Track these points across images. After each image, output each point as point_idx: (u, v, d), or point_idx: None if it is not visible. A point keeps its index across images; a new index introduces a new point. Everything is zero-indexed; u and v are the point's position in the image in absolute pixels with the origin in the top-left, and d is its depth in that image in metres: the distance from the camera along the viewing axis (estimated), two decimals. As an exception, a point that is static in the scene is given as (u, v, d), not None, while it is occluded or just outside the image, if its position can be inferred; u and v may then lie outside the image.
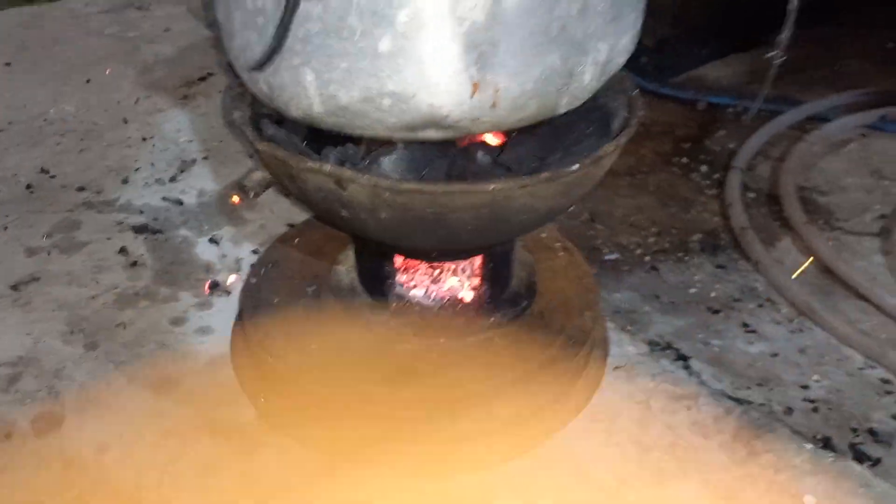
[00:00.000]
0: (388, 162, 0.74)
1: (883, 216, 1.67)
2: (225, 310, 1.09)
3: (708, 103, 2.05)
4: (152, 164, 1.34)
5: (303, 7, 0.66)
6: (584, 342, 0.93)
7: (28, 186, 1.30)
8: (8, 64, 1.47)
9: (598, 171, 0.78)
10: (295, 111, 0.73)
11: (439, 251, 0.86)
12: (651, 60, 2.15)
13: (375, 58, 0.66)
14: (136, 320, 1.08)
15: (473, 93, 0.67)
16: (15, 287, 1.12)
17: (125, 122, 1.41)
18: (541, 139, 0.75)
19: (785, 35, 0.78)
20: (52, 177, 1.32)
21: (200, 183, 1.31)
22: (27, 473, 0.88)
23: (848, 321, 1.39)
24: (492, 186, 0.71)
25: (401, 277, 0.92)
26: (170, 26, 1.58)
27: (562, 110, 0.73)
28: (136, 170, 1.33)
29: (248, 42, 0.71)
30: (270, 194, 1.28)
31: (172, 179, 1.31)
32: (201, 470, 0.89)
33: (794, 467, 0.98)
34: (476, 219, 0.75)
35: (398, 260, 0.92)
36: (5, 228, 1.21)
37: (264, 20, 0.68)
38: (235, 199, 1.28)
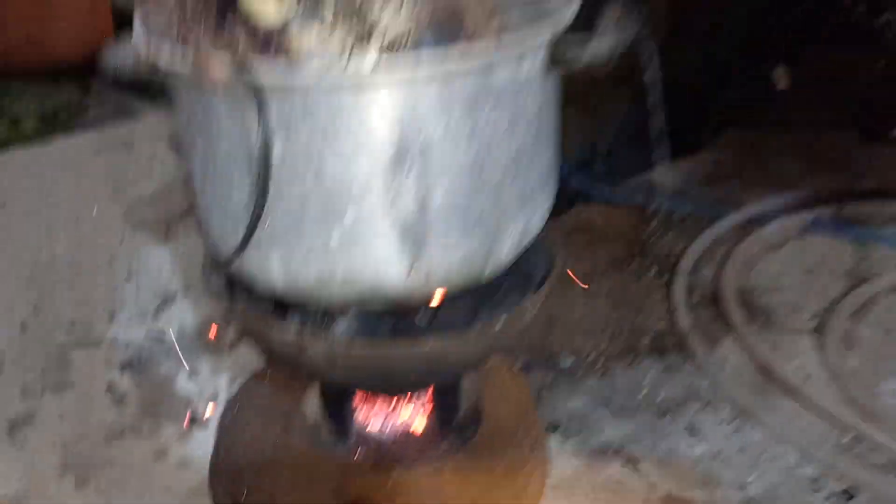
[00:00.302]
0: (342, 323, 0.89)
1: (817, 314, 1.83)
2: (204, 442, 1.21)
3: (657, 207, 2.24)
4: (136, 301, 1.48)
5: (267, 205, 0.82)
6: (524, 464, 1.06)
7: (22, 326, 1.43)
8: (3, 206, 1.63)
9: (523, 321, 0.94)
10: (261, 288, 0.88)
11: (392, 390, 1.00)
12: (603, 167, 2.36)
13: (328, 247, 0.82)
14: (123, 455, 1.20)
15: (409, 273, 0.83)
16: (11, 428, 1.25)
17: (111, 260, 1.56)
18: (473, 297, 0.91)
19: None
20: (45, 316, 1.46)
21: (181, 317, 1.45)
22: None
23: (783, 419, 1.54)
24: (429, 345, 0.86)
25: (360, 412, 1.06)
26: (153, 164, 1.74)
27: (486, 278, 0.89)
28: (122, 306, 1.47)
29: (223, 235, 0.87)
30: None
31: (155, 315, 1.45)
32: None
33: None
34: (418, 369, 0.90)
35: (357, 395, 1.06)
36: (2, 368, 1.34)
37: (236, 222, 0.84)
38: (213, 333, 1.43)
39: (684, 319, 1.80)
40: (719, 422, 1.54)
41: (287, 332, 0.88)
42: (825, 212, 2.13)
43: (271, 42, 0.79)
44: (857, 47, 2.43)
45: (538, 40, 0.78)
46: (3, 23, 2.46)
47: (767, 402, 1.57)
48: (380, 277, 0.83)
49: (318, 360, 0.89)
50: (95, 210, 1.64)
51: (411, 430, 1.06)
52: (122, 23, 2.64)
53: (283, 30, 0.80)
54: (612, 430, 1.51)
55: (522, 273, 0.94)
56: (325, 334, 0.87)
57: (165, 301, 1.47)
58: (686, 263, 1.99)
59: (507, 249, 0.88)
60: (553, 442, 1.48)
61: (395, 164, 0.78)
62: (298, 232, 0.82)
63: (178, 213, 1.64)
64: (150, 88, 2.50)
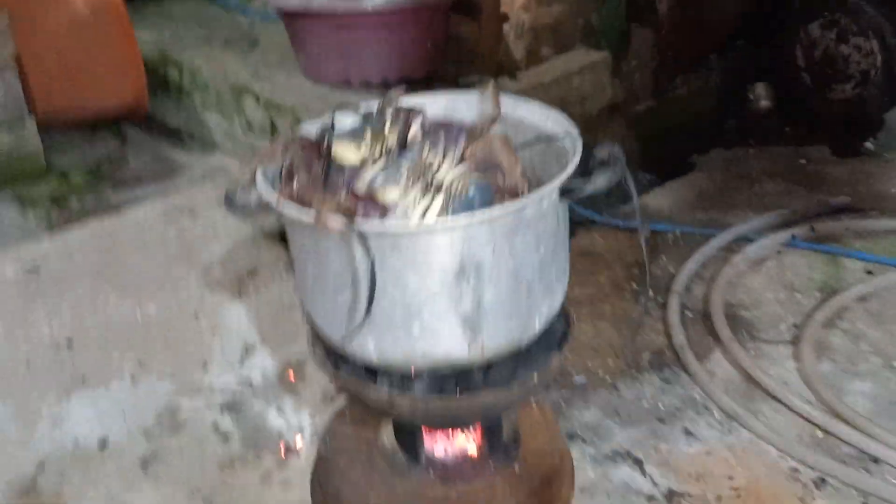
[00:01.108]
0: (419, 384, 1.28)
1: (795, 325, 2.21)
2: (298, 467, 1.61)
3: (651, 231, 2.62)
4: (223, 351, 1.87)
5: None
6: (557, 474, 1.46)
7: (132, 379, 1.82)
8: (97, 277, 2.01)
9: (550, 374, 1.34)
10: (358, 360, 1.27)
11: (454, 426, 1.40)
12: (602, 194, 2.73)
13: (410, 335, 1.21)
14: (236, 480, 1.60)
15: (469, 350, 1.22)
16: (144, 464, 1.64)
17: (196, 317, 1.94)
18: (513, 359, 1.30)
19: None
20: (149, 369, 1.85)
21: (263, 363, 1.85)
22: None
23: (766, 421, 1.92)
24: (483, 398, 1.26)
25: (427, 440, 1.45)
26: (216, 227, 2.12)
27: (524, 346, 1.28)
28: (212, 358, 1.86)
29: (328, 325, 1.26)
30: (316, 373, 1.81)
31: (240, 363, 1.84)
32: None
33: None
34: (476, 414, 1.30)
35: (424, 429, 1.46)
36: (125, 416, 1.73)
37: (339, 317, 1.23)
38: (291, 376, 1.82)
39: (678, 336, 2.18)
40: (711, 425, 1.92)
41: (380, 393, 1.27)
42: (801, 231, 2.51)
43: (364, 197, 1.18)
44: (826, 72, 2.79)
45: (554, 187, 1.16)
46: (47, 82, 2.85)
47: (752, 406, 1.95)
48: (448, 353, 1.22)
49: (403, 411, 1.29)
50: (176, 275, 2.02)
51: (467, 453, 1.45)
52: (152, 77, 3.01)
53: (372, 188, 1.18)
54: (620, 437, 1.90)
55: (548, 337, 1.33)
56: (408, 393, 1.26)
57: (247, 350, 1.86)
58: (679, 284, 2.36)
59: (537, 325, 1.27)
60: (573, 450, 1.87)
61: (457, 278, 1.16)
62: (389, 325, 1.21)
63: (246, 272, 2.03)
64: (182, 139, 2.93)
